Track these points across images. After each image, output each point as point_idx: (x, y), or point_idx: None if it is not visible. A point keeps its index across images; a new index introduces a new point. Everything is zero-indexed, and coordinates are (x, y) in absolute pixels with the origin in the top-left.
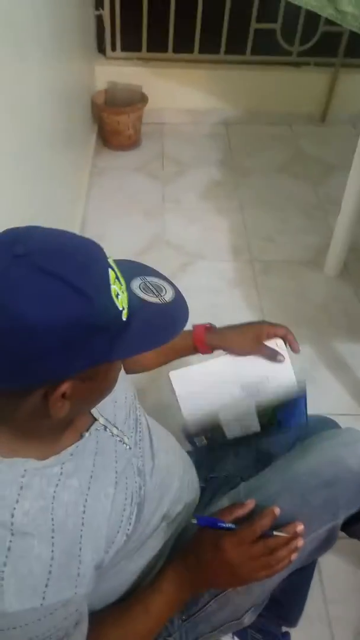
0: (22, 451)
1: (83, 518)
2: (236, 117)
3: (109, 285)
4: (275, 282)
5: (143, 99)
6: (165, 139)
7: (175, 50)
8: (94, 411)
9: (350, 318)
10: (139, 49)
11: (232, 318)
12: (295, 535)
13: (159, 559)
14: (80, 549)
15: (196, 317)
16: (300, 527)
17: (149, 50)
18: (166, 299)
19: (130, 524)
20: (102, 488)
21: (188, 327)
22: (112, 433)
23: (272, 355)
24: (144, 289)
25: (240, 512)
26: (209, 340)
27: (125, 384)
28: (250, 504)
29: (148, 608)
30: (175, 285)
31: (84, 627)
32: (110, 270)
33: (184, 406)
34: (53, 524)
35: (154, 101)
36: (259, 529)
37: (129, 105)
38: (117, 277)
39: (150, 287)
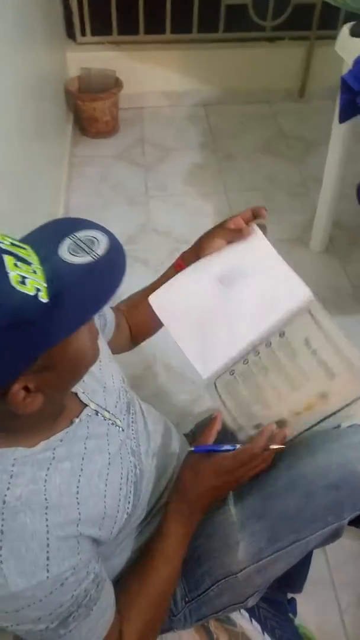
0: (12, 442)
1: (77, 498)
2: (214, 97)
3: (5, 274)
4: None
5: (118, 83)
6: (144, 124)
7: (146, 32)
8: (84, 398)
9: (338, 292)
10: (109, 33)
11: None
12: (285, 443)
13: None
14: (77, 525)
15: None
16: (288, 432)
17: (120, 33)
18: (99, 253)
19: (129, 502)
20: (95, 469)
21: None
22: (104, 417)
23: (239, 235)
24: (73, 250)
25: (217, 427)
26: (186, 260)
27: (111, 369)
28: (218, 417)
29: (165, 553)
30: (109, 230)
31: (109, 587)
32: (6, 256)
33: (173, 328)
34: (47, 503)
35: (130, 86)
36: (259, 450)
37: (104, 91)
38: (19, 259)
39: (81, 244)
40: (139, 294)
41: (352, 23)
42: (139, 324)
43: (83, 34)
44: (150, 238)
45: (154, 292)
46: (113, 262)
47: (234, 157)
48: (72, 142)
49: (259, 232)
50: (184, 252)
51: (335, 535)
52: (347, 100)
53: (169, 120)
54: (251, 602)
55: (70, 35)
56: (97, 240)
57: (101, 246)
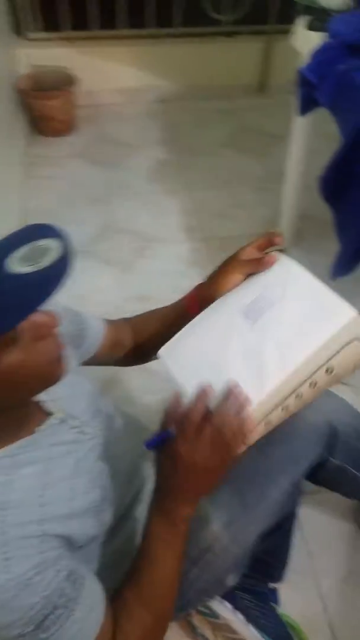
0: None
1: (40, 500)
2: (173, 93)
3: None
4: None
5: (72, 80)
6: (103, 122)
7: (101, 27)
8: (49, 406)
9: None
10: (61, 29)
11: None
12: (233, 392)
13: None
14: (41, 525)
15: (162, 301)
16: (232, 383)
17: (73, 28)
18: (44, 264)
19: (96, 506)
20: (60, 474)
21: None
22: (71, 425)
23: (259, 265)
24: (23, 258)
25: (174, 413)
26: (200, 296)
27: (79, 377)
28: (177, 397)
29: (151, 558)
30: (69, 241)
31: (92, 584)
32: None
33: (184, 386)
34: (5, 505)
35: (85, 83)
36: (193, 416)
37: (58, 88)
38: None
39: (33, 254)
40: (151, 318)
41: (308, 17)
42: (146, 349)
43: (32, 29)
44: (116, 237)
45: (165, 346)
46: (50, 276)
47: (196, 153)
48: (26, 142)
49: (283, 257)
50: (198, 285)
51: (295, 493)
52: (306, 94)
53: (128, 117)
54: (231, 581)
55: (17, 31)
56: (50, 250)
57: (49, 258)
